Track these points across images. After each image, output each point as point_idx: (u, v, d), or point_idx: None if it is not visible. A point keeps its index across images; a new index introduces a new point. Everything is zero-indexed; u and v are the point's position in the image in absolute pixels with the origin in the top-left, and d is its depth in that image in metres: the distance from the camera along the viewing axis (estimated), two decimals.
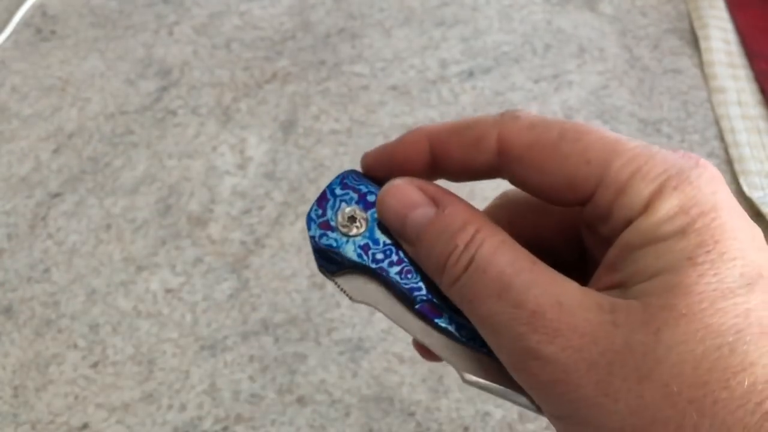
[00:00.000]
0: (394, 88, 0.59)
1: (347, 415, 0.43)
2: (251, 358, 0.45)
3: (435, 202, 0.24)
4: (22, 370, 0.46)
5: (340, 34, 0.64)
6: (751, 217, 0.53)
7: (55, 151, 0.57)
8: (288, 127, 0.57)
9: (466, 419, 0.43)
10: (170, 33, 0.65)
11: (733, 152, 0.53)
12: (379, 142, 0.56)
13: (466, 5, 0.66)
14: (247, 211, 0.52)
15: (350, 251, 0.25)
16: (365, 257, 0.25)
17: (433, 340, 0.25)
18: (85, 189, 0.54)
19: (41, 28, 0.66)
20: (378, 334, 0.46)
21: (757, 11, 0.62)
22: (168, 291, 0.49)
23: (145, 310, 0.48)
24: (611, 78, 0.59)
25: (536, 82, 0.59)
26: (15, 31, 0.66)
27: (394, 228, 0.25)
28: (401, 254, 0.25)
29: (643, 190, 0.21)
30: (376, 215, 0.25)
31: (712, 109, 0.57)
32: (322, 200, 0.26)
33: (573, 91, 0.58)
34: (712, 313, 0.19)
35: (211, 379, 0.45)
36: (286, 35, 0.64)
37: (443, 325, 0.24)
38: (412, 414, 0.43)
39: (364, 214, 0.25)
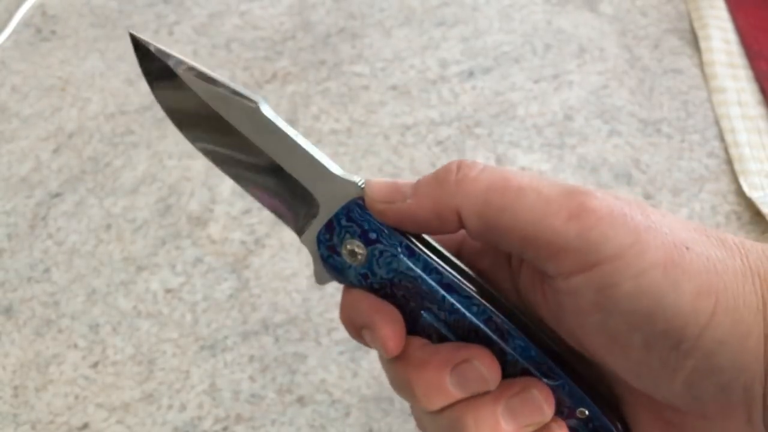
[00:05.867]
0: (394, 88, 0.59)
1: (347, 415, 0.43)
2: (251, 358, 0.45)
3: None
4: (22, 370, 0.46)
5: (340, 34, 0.64)
6: (752, 217, 0.53)
7: (55, 151, 0.57)
8: None
9: None
10: (170, 33, 0.65)
11: (733, 152, 0.53)
12: (379, 142, 0.56)
13: (466, 5, 0.66)
14: (247, 211, 0.52)
15: (352, 276, 0.28)
16: (364, 283, 0.28)
17: None
18: (85, 189, 0.54)
19: (41, 28, 0.66)
20: None
21: (757, 11, 0.62)
22: (168, 291, 0.49)
23: (145, 310, 0.48)
24: (611, 78, 0.59)
25: (536, 82, 0.59)
26: (15, 31, 0.66)
27: (386, 193, 0.27)
28: (394, 290, 0.27)
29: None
30: (375, 252, 0.27)
31: (712, 109, 0.57)
32: (329, 226, 0.28)
33: (573, 91, 0.58)
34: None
35: (211, 379, 0.45)
36: (286, 35, 0.64)
37: None
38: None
39: (364, 251, 0.27)
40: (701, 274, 0.23)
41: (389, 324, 0.27)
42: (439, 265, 0.27)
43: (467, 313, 0.26)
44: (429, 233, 0.27)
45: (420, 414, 0.28)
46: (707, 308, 0.23)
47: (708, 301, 0.23)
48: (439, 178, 0.26)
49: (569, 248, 0.24)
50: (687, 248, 0.24)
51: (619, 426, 0.27)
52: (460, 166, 0.26)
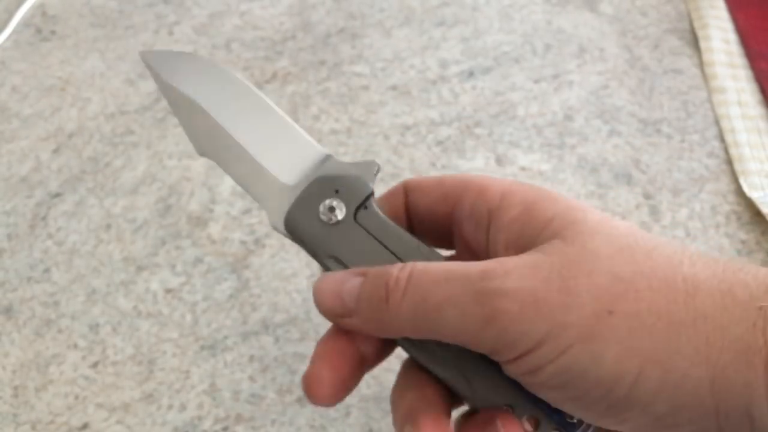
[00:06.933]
0: (394, 88, 0.59)
1: (347, 415, 0.43)
2: (251, 358, 0.45)
3: (360, 273, 0.28)
4: (22, 370, 0.46)
5: (340, 34, 0.64)
6: (752, 217, 0.53)
7: (55, 151, 0.57)
8: None
9: None
10: (170, 33, 0.65)
11: (733, 152, 0.53)
12: (379, 142, 0.56)
13: (466, 5, 0.66)
14: (247, 211, 0.52)
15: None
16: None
17: None
18: (85, 189, 0.54)
19: (41, 28, 0.66)
20: None
21: (757, 11, 0.62)
22: (168, 291, 0.49)
23: (145, 310, 0.48)
24: (611, 78, 0.59)
25: (536, 82, 0.59)
26: (15, 31, 0.66)
27: (333, 307, 0.28)
28: None
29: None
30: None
31: (712, 109, 0.57)
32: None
33: (573, 91, 0.58)
34: (608, 229, 0.26)
35: (211, 379, 0.45)
36: (286, 35, 0.64)
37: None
38: None
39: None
40: (623, 341, 0.24)
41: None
42: None
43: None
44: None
45: None
46: (631, 370, 0.24)
47: (631, 363, 0.24)
48: (372, 303, 0.27)
49: (493, 350, 0.25)
50: (610, 312, 0.24)
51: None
52: (387, 289, 0.26)
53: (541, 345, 0.24)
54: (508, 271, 0.25)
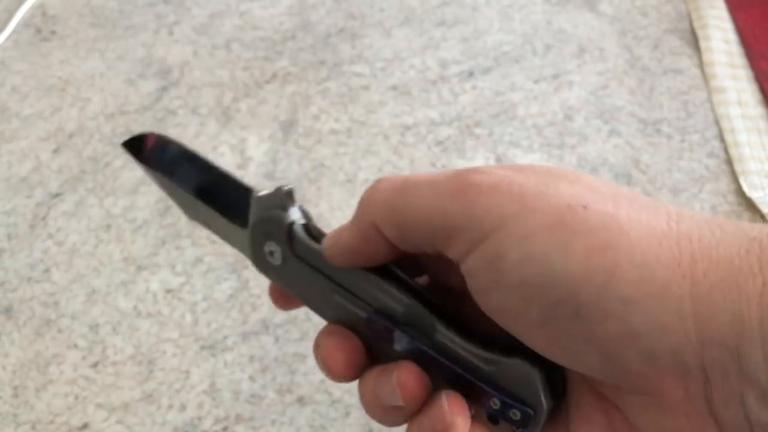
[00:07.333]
0: (394, 88, 0.59)
1: (347, 415, 0.43)
2: (251, 358, 0.45)
3: None
4: (22, 370, 0.46)
5: (340, 34, 0.64)
6: (751, 217, 0.53)
7: (55, 151, 0.57)
8: (288, 127, 0.57)
9: None
10: (170, 33, 0.65)
11: (733, 152, 0.53)
12: (379, 142, 0.56)
13: (466, 5, 0.66)
14: None
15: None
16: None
17: None
18: (85, 189, 0.54)
19: (41, 28, 0.66)
20: None
21: (757, 11, 0.62)
22: (168, 291, 0.49)
23: (145, 310, 0.48)
24: (611, 78, 0.59)
25: (536, 82, 0.59)
26: (15, 31, 0.66)
27: (334, 234, 0.27)
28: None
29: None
30: None
31: (712, 109, 0.57)
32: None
33: (573, 91, 0.58)
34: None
35: (211, 379, 0.45)
36: (286, 35, 0.64)
37: None
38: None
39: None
40: (596, 230, 0.21)
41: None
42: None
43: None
44: (376, 262, 0.27)
45: None
46: (603, 266, 0.21)
47: (603, 258, 0.21)
48: (359, 202, 0.26)
49: (457, 227, 0.23)
50: (584, 207, 0.22)
51: (543, 405, 0.25)
52: (374, 183, 0.26)
53: (506, 225, 0.22)
54: (491, 165, 0.24)
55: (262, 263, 0.30)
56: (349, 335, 0.28)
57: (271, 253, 0.29)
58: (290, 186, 0.28)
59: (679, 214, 0.22)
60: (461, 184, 0.23)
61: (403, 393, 0.26)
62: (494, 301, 0.23)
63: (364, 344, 0.28)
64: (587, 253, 0.21)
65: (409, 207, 0.24)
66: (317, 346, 0.29)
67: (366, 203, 0.26)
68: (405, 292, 0.27)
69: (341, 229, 0.27)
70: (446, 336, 0.26)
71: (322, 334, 0.29)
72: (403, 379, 0.26)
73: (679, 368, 0.21)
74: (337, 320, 0.29)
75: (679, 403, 0.21)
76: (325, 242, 0.28)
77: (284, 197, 0.28)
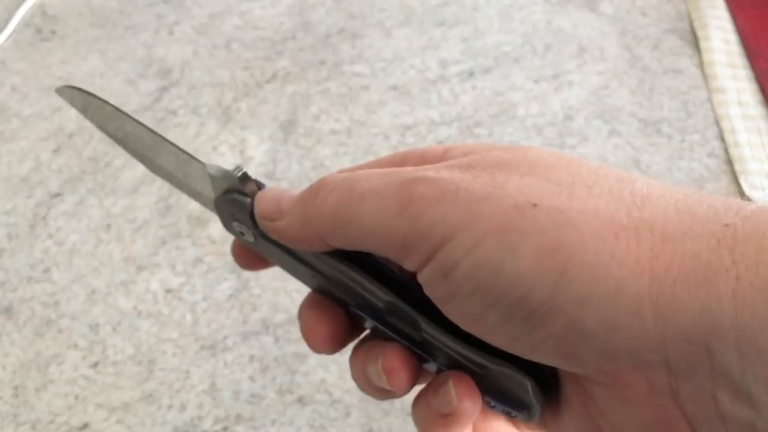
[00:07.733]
0: (394, 88, 0.59)
1: (347, 415, 0.43)
2: (251, 358, 0.45)
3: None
4: (22, 370, 0.46)
5: (340, 34, 0.64)
6: None
7: (55, 151, 0.57)
8: (288, 127, 0.57)
9: None
10: (170, 33, 0.65)
11: (733, 152, 0.53)
12: (379, 142, 0.56)
13: (466, 5, 0.66)
14: None
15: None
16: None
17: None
18: (85, 189, 0.54)
19: (41, 28, 0.66)
20: None
21: (757, 11, 0.62)
22: (168, 291, 0.49)
23: (145, 310, 0.48)
24: (611, 78, 0.59)
25: (536, 82, 0.59)
26: (15, 31, 0.66)
27: (268, 210, 0.27)
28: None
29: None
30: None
31: (713, 109, 0.57)
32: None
33: (573, 91, 0.58)
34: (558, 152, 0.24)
35: (211, 379, 0.45)
36: (286, 35, 0.64)
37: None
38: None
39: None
40: (546, 231, 0.21)
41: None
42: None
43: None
44: (309, 250, 0.27)
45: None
46: (554, 267, 0.20)
47: (553, 259, 0.21)
48: (303, 201, 0.25)
49: (407, 243, 0.23)
50: (534, 205, 0.21)
51: (536, 410, 0.25)
52: (319, 186, 0.25)
53: (455, 235, 0.22)
54: (438, 166, 0.23)
55: (233, 233, 0.29)
56: (331, 306, 0.28)
57: (242, 233, 0.28)
58: (242, 170, 0.27)
59: (646, 196, 0.21)
60: (406, 198, 0.23)
61: (389, 378, 0.26)
62: (453, 309, 0.23)
63: (347, 311, 0.28)
64: (537, 255, 0.21)
65: (356, 224, 0.24)
66: (300, 318, 0.28)
67: (311, 211, 0.25)
68: (385, 288, 0.26)
69: (281, 210, 0.26)
70: (430, 334, 0.26)
71: (305, 306, 0.28)
72: (388, 364, 0.26)
73: (639, 364, 0.20)
74: (319, 291, 0.28)
75: (644, 397, 0.21)
76: (261, 206, 0.27)
77: (238, 183, 0.27)
